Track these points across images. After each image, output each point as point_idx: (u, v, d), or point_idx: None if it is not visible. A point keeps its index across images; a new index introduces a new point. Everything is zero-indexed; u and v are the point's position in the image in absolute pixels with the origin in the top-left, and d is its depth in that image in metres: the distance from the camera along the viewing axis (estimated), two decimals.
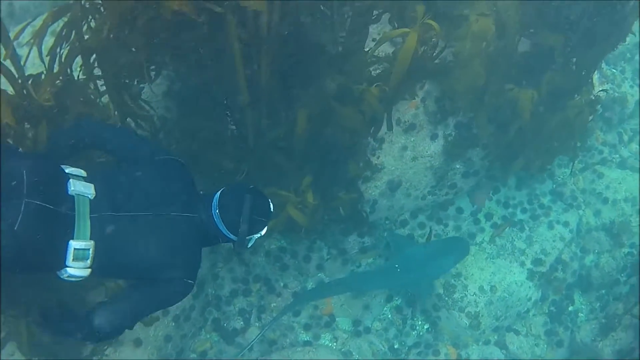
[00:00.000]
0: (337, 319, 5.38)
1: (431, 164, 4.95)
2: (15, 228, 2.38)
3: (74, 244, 2.56)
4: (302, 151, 4.12)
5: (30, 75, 3.25)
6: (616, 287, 5.85)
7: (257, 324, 5.18)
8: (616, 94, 6.48)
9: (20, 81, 3.19)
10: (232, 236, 2.87)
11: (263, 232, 2.96)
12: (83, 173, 2.76)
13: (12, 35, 3.35)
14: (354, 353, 5.24)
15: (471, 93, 4.46)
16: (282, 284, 5.29)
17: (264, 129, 3.89)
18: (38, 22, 3.48)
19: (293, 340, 5.22)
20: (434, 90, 4.68)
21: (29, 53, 3.35)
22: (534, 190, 5.94)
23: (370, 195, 4.93)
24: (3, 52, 3.14)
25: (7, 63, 3.18)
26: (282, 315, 5.13)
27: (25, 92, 3.19)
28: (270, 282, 5.26)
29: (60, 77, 3.34)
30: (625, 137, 6.60)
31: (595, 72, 5.45)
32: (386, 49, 4.43)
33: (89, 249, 2.60)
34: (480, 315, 5.35)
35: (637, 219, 6.01)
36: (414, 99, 4.65)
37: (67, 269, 2.60)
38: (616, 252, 5.94)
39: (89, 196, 2.65)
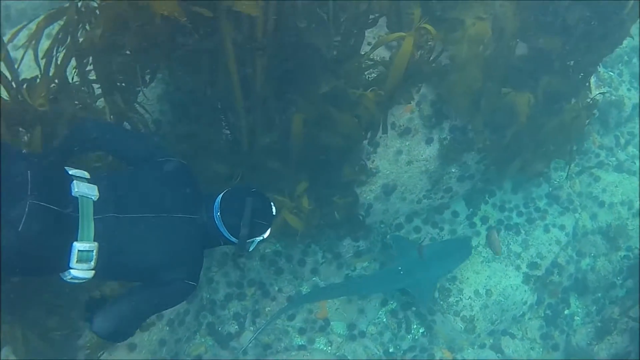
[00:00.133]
0: (331, 323, 5.36)
1: (426, 168, 4.94)
2: (19, 229, 2.36)
3: (78, 245, 2.55)
4: (297, 155, 4.10)
5: (25, 80, 3.23)
6: (612, 290, 5.86)
7: (252, 328, 5.15)
8: (613, 97, 6.48)
9: (14, 85, 3.17)
10: (233, 239, 2.86)
11: (265, 235, 2.94)
12: (86, 174, 2.76)
13: (6, 38, 3.34)
14: (348, 357, 5.23)
15: (468, 97, 4.45)
16: (276, 288, 5.27)
17: (259, 133, 3.88)
18: (33, 25, 3.45)
19: (288, 344, 5.20)
20: (429, 93, 4.67)
21: (23, 56, 3.33)
22: (530, 194, 5.93)
23: (365, 199, 4.92)
24: None
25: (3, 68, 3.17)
26: (286, 311, 5.11)
27: (20, 97, 3.17)
28: (264, 286, 5.24)
29: (56, 81, 3.33)
30: (622, 140, 6.60)
31: (592, 75, 5.44)
32: (382, 52, 4.42)
33: (92, 251, 2.59)
34: (475, 319, 5.35)
35: (633, 222, 6.01)
36: (410, 103, 4.64)
37: (71, 270, 2.59)
38: (612, 256, 5.95)
39: (93, 197, 2.64)
